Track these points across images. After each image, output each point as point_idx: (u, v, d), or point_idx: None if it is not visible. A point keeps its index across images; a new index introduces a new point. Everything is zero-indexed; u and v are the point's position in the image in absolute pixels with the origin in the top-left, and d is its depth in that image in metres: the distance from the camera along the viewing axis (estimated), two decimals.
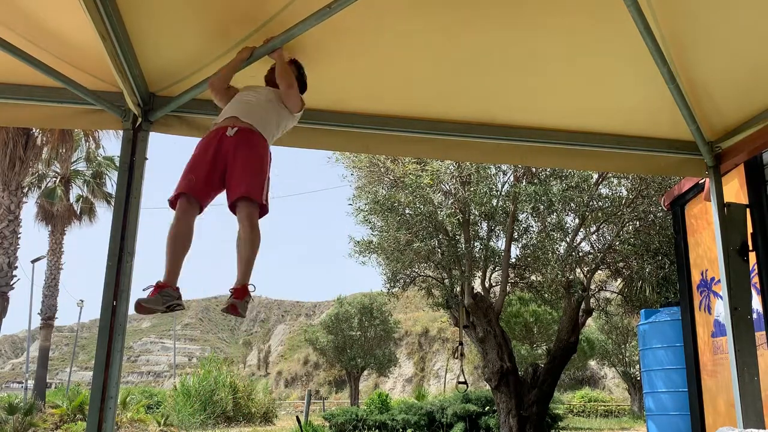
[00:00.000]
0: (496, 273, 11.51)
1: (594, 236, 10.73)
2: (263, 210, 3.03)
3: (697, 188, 5.94)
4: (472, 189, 10.06)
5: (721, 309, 5.47)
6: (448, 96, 3.80)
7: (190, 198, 3.00)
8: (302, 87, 3.34)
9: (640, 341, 8.06)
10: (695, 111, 3.72)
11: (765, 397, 3.93)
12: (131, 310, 3.14)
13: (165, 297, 2.86)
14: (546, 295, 11.82)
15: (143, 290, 2.91)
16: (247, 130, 3.09)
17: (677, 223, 6.45)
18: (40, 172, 23.36)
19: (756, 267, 4.75)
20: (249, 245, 2.93)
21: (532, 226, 10.96)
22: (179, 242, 2.97)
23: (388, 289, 12.21)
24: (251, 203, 2.96)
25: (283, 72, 3.18)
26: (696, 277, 6.10)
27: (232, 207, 2.99)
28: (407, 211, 10.36)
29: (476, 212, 10.66)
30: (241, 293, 2.88)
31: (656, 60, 3.24)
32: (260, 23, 3.13)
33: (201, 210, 3.06)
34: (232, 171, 3.01)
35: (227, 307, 2.85)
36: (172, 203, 3.02)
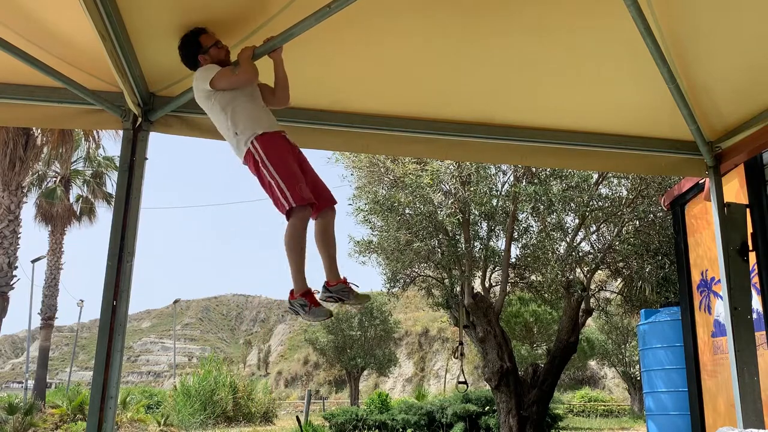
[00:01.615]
0: (496, 273, 11.51)
1: (594, 236, 10.72)
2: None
3: (697, 188, 5.94)
4: (472, 189, 10.05)
5: (721, 309, 5.47)
6: (449, 96, 3.80)
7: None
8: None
9: (640, 341, 8.06)
10: (695, 111, 3.72)
11: (765, 397, 3.93)
12: (132, 310, 3.15)
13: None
14: (546, 295, 11.81)
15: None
16: None
17: (677, 223, 6.45)
18: (40, 172, 23.37)
19: (756, 267, 4.75)
20: (335, 240, 3.24)
21: (532, 226, 10.96)
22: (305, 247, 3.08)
23: (388, 289, 12.20)
24: None
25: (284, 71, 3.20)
26: (696, 277, 6.10)
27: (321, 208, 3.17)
28: (407, 211, 10.35)
29: (476, 212, 10.65)
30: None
31: (656, 60, 3.24)
32: (260, 23, 3.13)
33: None
34: (312, 176, 3.17)
35: (355, 299, 3.21)
36: (302, 209, 3.00)
